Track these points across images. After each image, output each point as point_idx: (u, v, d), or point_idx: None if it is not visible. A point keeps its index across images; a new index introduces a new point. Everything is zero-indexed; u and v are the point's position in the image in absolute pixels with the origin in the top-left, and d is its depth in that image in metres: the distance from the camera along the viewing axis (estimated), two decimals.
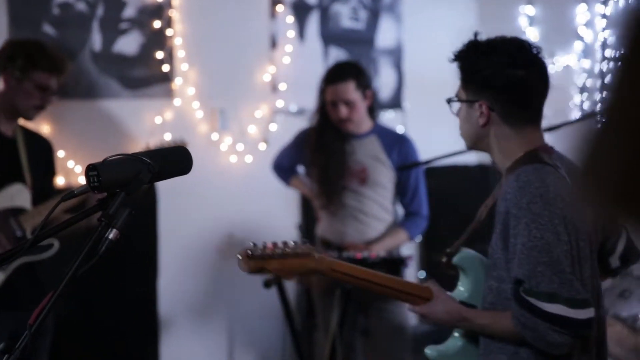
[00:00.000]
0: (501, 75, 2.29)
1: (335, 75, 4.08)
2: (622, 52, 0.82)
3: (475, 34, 2.39)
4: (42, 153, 3.66)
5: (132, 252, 4.59)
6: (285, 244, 2.37)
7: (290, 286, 4.47)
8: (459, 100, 2.40)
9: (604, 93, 0.87)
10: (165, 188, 4.61)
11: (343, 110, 4.01)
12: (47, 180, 3.68)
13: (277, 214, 5.12)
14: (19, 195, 3.44)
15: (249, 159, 5.00)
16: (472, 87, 2.34)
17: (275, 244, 2.36)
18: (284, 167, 4.40)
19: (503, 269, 2.20)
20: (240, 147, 4.99)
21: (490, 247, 2.27)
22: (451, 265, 2.38)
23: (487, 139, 2.32)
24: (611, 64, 5.22)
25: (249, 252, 2.35)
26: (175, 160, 2.04)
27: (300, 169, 4.41)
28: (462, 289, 2.37)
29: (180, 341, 4.83)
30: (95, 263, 1.90)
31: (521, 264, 2.11)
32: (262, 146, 5.01)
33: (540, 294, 2.09)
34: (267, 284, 3.64)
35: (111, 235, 1.92)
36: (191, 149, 4.93)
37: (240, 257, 2.36)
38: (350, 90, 4.01)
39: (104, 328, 4.51)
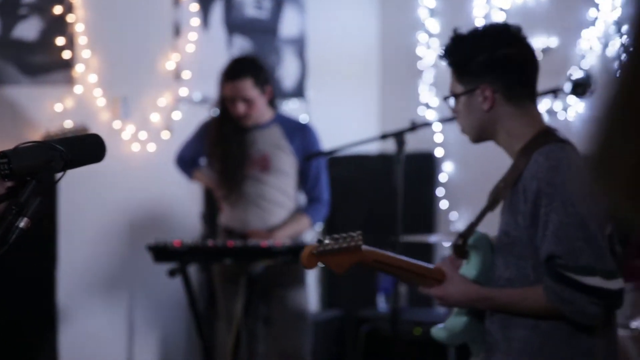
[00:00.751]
0: (496, 55, 2.35)
1: (233, 72, 4.10)
2: (630, 45, 0.83)
3: (455, 30, 2.44)
4: None
5: (30, 240, 4.50)
6: (337, 238, 2.34)
7: (193, 275, 4.47)
8: (458, 94, 2.40)
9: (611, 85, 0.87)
10: (67, 176, 4.53)
11: (241, 107, 4.05)
12: None
13: (180, 202, 5.10)
14: None
15: (151, 147, 4.96)
16: (469, 76, 2.37)
17: (335, 238, 2.33)
18: (186, 161, 4.39)
19: (526, 246, 2.26)
20: (143, 135, 4.94)
21: (504, 226, 2.32)
22: (466, 247, 2.39)
23: (492, 124, 2.37)
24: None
25: (313, 251, 2.31)
26: (88, 148, 2.02)
27: (203, 161, 4.41)
28: (471, 268, 2.39)
29: (80, 330, 4.77)
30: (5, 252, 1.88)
31: (559, 241, 2.18)
32: (166, 135, 4.98)
33: (578, 268, 2.17)
34: (172, 273, 3.64)
35: (22, 224, 1.90)
36: None
37: (304, 254, 2.33)
38: (248, 87, 4.04)
39: (1, 320, 4.41)
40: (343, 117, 5.77)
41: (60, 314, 4.70)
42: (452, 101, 2.44)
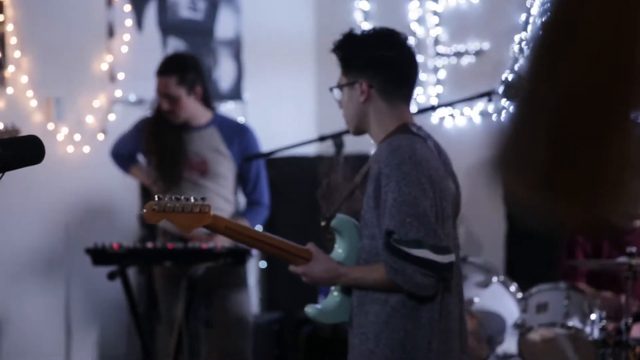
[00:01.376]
0: (376, 55, 2.61)
1: (161, 68, 4.12)
2: (533, 44, 0.87)
3: (351, 29, 2.70)
4: None
5: None
6: (186, 199, 2.50)
7: (133, 277, 4.41)
8: (341, 85, 2.66)
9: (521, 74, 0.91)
10: None
11: (164, 104, 4.06)
12: None
13: (117, 204, 5.03)
14: None
15: (86, 149, 4.89)
16: (353, 70, 2.63)
17: (177, 198, 2.49)
18: (122, 155, 4.34)
19: (375, 226, 2.48)
20: (77, 137, 4.87)
21: (362, 210, 2.53)
22: (329, 229, 2.60)
23: (367, 116, 2.62)
24: (447, 59, 5.44)
25: (154, 206, 2.48)
26: (26, 149, 1.99)
27: (140, 157, 4.36)
28: (339, 251, 2.59)
29: (17, 334, 4.67)
30: None
31: (392, 217, 2.39)
32: (101, 136, 4.91)
33: (408, 242, 2.38)
34: (111, 276, 3.59)
35: None
36: None
37: (145, 210, 2.51)
38: (171, 85, 4.04)
39: None
40: (280, 118, 5.76)
41: None
42: (337, 92, 2.69)
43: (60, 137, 4.81)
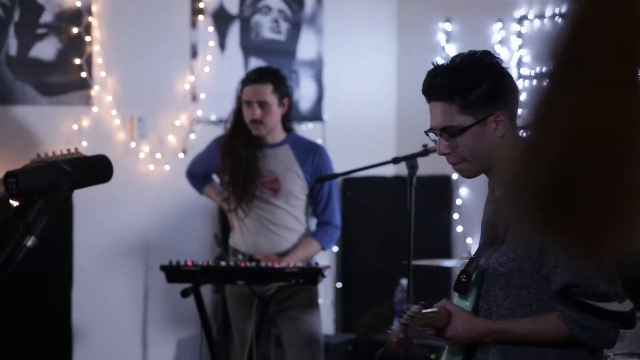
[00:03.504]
0: (500, 79, 2.34)
1: (253, 77, 4.13)
2: (545, 71, 0.86)
3: (436, 63, 2.40)
4: None
5: (46, 261, 4.52)
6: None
7: (207, 295, 4.47)
8: (470, 125, 2.32)
9: (527, 111, 0.92)
10: (82, 196, 4.55)
11: (257, 111, 4.03)
12: None
13: (194, 222, 5.10)
14: None
15: (167, 167, 4.98)
16: (477, 104, 2.30)
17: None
18: (197, 175, 4.39)
19: (527, 275, 2.26)
20: (158, 155, 4.96)
21: (499, 256, 2.31)
22: (469, 284, 2.35)
23: (499, 152, 2.32)
24: (530, 82, 5.37)
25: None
26: (95, 168, 2.03)
27: (215, 177, 4.41)
28: (466, 303, 2.36)
29: (95, 351, 4.77)
30: (13, 270, 1.88)
31: (574, 271, 2.18)
32: (181, 155, 4.99)
33: (597, 296, 2.19)
34: (184, 293, 3.64)
35: (29, 243, 1.91)
36: (109, 157, 4.87)
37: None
38: (267, 92, 4.05)
39: (16, 339, 4.42)
40: (360, 139, 5.77)
41: (75, 334, 4.70)
42: (444, 136, 2.36)
43: (142, 155, 4.92)
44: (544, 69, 0.86)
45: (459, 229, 5.56)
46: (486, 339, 2.32)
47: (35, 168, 1.90)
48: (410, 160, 3.57)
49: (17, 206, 1.95)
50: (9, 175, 1.88)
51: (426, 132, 2.44)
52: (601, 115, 0.83)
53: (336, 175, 4.09)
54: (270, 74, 4.14)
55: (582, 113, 0.83)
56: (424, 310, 2.28)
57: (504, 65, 2.39)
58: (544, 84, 0.87)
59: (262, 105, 4.03)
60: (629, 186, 0.83)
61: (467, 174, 2.41)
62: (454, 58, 2.38)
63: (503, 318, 2.30)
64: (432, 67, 2.40)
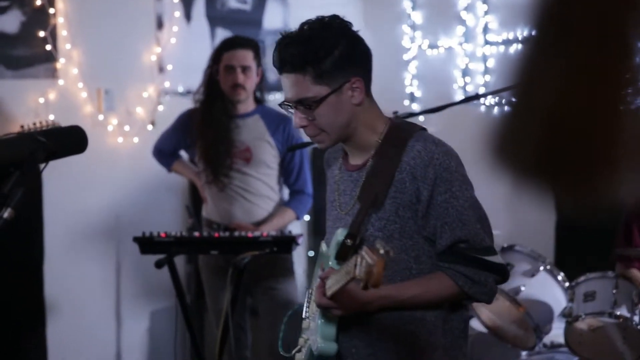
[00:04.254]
0: (353, 44, 2.24)
1: (234, 43, 4.13)
2: (530, 32, 0.88)
3: (284, 33, 2.27)
4: None
5: (17, 235, 4.50)
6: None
7: (180, 267, 4.46)
8: (327, 95, 2.20)
9: (511, 75, 0.94)
10: (51, 169, 4.50)
11: (240, 76, 4.02)
12: None
13: (165, 195, 5.09)
14: None
15: (136, 140, 4.95)
16: (332, 72, 2.19)
17: None
18: (164, 152, 4.37)
19: (407, 237, 2.19)
20: (127, 128, 4.93)
21: (376, 222, 2.21)
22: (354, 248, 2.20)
23: (356, 120, 2.24)
24: (497, 48, 5.40)
25: None
26: (70, 139, 2.02)
27: (182, 153, 4.39)
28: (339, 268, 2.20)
29: (68, 323, 4.76)
30: None
31: (463, 225, 2.16)
32: (150, 127, 4.97)
33: (484, 250, 2.18)
34: (158, 264, 3.63)
35: (6, 215, 1.90)
36: None
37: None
38: (249, 57, 4.06)
39: None
40: None
41: (48, 308, 4.69)
42: (300, 109, 2.23)
43: (110, 127, 4.89)
44: (528, 33, 0.88)
45: None
46: (371, 308, 2.19)
47: (9, 139, 1.89)
48: None
49: None
50: None
51: (281, 105, 2.31)
52: (587, 77, 0.84)
53: (308, 144, 4.09)
54: (251, 41, 4.18)
55: (568, 75, 0.85)
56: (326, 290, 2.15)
57: (354, 29, 2.28)
58: (528, 47, 0.89)
59: (245, 70, 4.04)
60: (616, 141, 0.85)
61: (325, 145, 2.28)
62: (302, 26, 2.25)
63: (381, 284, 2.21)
64: (281, 37, 2.26)
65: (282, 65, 2.23)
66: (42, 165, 1.93)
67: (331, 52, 2.19)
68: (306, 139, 4.24)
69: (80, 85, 4.77)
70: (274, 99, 5.43)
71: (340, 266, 2.13)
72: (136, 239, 3.82)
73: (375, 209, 2.21)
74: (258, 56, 4.12)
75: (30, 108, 4.58)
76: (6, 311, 4.49)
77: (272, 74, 5.58)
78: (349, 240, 2.19)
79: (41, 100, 4.63)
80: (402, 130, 2.27)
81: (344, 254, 2.18)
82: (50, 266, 4.65)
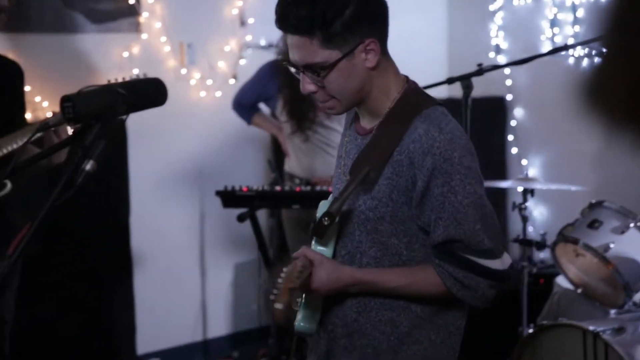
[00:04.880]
0: (365, 3, 1.97)
1: None
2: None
3: None
4: (6, 79, 3.31)
5: (103, 187, 4.57)
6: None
7: (263, 220, 4.48)
8: (338, 60, 1.96)
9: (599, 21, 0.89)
10: (135, 123, 4.56)
11: None
12: (15, 111, 3.32)
13: (247, 149, 5.10)
14: None
15: (218, 94, 4.96)
16: (342, 34, 1.94)
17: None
18: (244, 105, 4.36)
19: (400, 223, 2.00)
20: (209, 82, 4.94)
21: (369, 200, 2.02)
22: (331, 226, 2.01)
23: (371, 84, 2.02)
24: None
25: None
26: (150, 91, 2.01)
27: (262, 106, 4.37)
28: (328, 247, 2.06)
29: (154, 274, 4.84)
30: (72, 195, 1.89)
31: (459, 223, 1.94)
32: (232, 81, 4.96)
33: (481, 252, 1.96)
34: (240, 218, 3.65)
35: (88, 167, 1.90)
36: None
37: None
38: None
39: (77, 263, 4.50)
40: (411, 60, 5.66)
41: (134, 260, 4.77)
42: (308, 74, 2.00)
43: (193, 82, 4.90)
44: None
45: (514, 150, 5.48)
46: (351, 290, 2.03)
47: (90, 92, 1.89)
48: (465, 80, 3.48)
49: (74, 130, 1.94)
50: (65, 99, 1.87)
51: (285, 64, 2.07)
52: None
53: None
54: None
55: None
56: (296, 269, 1.94)
57: None
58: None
59: None
60: None
61: (337, 111, 2.07)
62: None
63: (367, 267, 2.04)
64: None
65: (286, 26, 1.98)
66: (124, 118, 1.92)
67: (341, 13, 1.93)
68: None
69: (163, 39, 4.79)
70: None
71: (319, 244, 2.05)
72: (218, 193, 3.84)
73: (365, 187, 2.01)
74: None
75: (114, 62, 4.62)
76: (95, 264, 4.58)
77: None
78: (326, 219, 1.97)
79: (125, 54, 4.66)
80: (412, 102, 2.03)
81: (320, 232, 2.00)
82: (135, 219, 4.72)
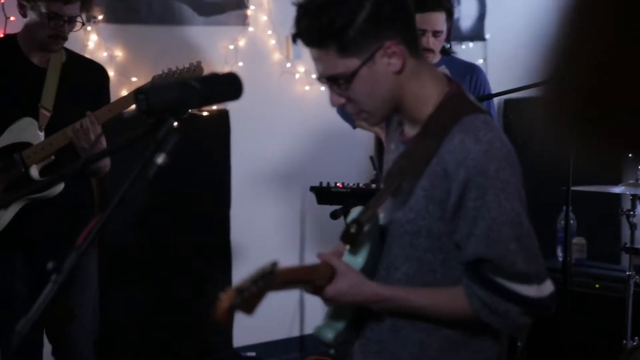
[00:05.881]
0: (380, 4, 1.83)
1: (425, 3, 3.91)
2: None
3: (298, 3, 1.88)
4: (90, 82, 3.35)
5: (205, 180, 4.61)
6: (255, 280, 1.90)
7: None
8: (357, 69, 1.84)
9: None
10: (238, 115, 4.58)
11: (430, 39, 3.82)
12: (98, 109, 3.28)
13: (350, 144, 5.05)
14: (27, 129, 3.21)
15: (322, 88, 4.92)
16: (358, 42, 1.83)
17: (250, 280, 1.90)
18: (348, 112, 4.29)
19: (436, 238, 1.88)
20: (314, 76, 4.91)
21: (407, 212, 1.90)
22: (360, 236, 1.90)
23: (401, 89, 1.88)
24: None
25: (233, 304, 1.81)
26: (225, 86, 1.98)
27: None
28: (358, 257, 1.94)
29: (251, 269, 4.84)
30: (146, 187, 1.87)
31: (492, 242, 1.80)
32: None
33: (513, 275, 1.81)
34: (334, 215, 3.59)
35: (160, 160, 1.88)
36: (264, 77, 4.88)
37: (220, 313, 1.78)
38: (441, 21, 3.84)
39: (177, 253, 4.55)
40: (524, 59, 5.50)
41: (233, 252, 4.79)
42: (333, 87, 1.88)
43: (297, 75, 4.88)
44: None
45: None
46: (373, 307, 1.91)
47: (164, 85, 1.87)
48: None
49: (148, 123, 1.93)
50: (139, 92, 1.86)
51: (318, 79, 1.96)
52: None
53: (497, 94, 3.90)
54: (444, 2, 3.87)
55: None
56: (258, 273, 1.87)
57: None
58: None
59: (436, 34, 3.82)
60: None
61: (373, 122, 1.96)
62: None
63: (398, 283, 1.92)
64: (296, 5, 1.88)
65: (301, 39, 1.87)
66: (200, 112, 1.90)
67: (352, 19, 1.81)
68: (496, 89, 4.07)
69: (270, 32, 4.78)
70: (466, 48, 5.24)
71: (349, 252, 1.94)
72: (313, 189, 3.80)
73: (400, 196, 1.90)
74: (450, 17, 3.89)
75: (220, 55, 4.64)
76: (194, 255, 4.62)
77: (464, 22, 5.38)
78: (353, 226, 1.87)
79: (231, 47, 4.68)
80: (452, 109, 1.88)
81: (349, 239, 1.90)
82: (236, 212, 4.74)
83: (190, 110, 1.89)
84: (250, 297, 1.83)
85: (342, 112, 4.35)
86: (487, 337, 1.93)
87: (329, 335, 1.97)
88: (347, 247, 1.95)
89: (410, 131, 1.96)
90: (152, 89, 1.85)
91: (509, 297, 1.81)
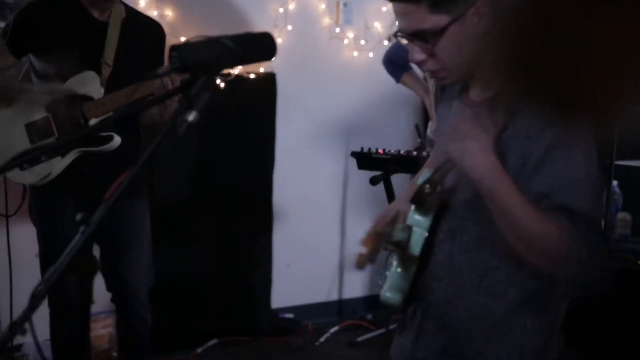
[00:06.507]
0: None
1: None
2: None
3: None
4: (148, 39, 3.41)
5: (250, 142, 4.63)
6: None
7: (397, 182, 4.41)
8: (444, 27, 1.82)
9: None
10: (284, 78, 4.59)
11: None
12: (155, 67, 3.36)
13: (396, 111, 5.04)
14: (90, 83, 3.26)
15: (371, 55, 4.91)
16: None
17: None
18: (395, 62, 4.27)
19: None
20: (362, 42, 4.90)
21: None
22: (431, 197, 1.85)
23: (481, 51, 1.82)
24: None
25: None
26: (258, 45, 1.98)
27: (414, 65, 4.27)
28: (424, 218, 1.93)
29: (292, 233, 4.88)
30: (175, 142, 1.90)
31: (583, 197, 1.75)
32: (386, 42, 4.90)
33: (598, 232, 1.76)
34: (373, 181, 3.60)
35: (191, 117, 1.90)
36: (313, 41, 4.86)
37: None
38: None
39: (220, 215, 4.60)
40: None
41: (275, 213, 4.82)
42: (418, 44, 1.85)
43: (346, 41, 4.87)
44: None
45: None
46: (480, 175, 1.76)
47: (198, 43, 1.88)
48: None
49: (182, 81, 1.95)
50: (173, 49, 1.87)
51: (394, 35, 1.92)
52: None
53: None
54: None
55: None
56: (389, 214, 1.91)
57: None
58: None
59: None
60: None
61: (449, 82, 1.94)
62: None
63: (467, 246, 1.87)
64: None
65: None
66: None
67: None
68: None
69: None
70: None
71: (418, 212, 1.89)
72: (354, 154, 3.80)
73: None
74: None
75: (270, 18, 4.65)
76: (237, 217, 4.66)
77: None
78: (427, 187, 1.81)
79: (281, 10, 4.68)
80: None
81: (421, 200, 1.84)
82: (279, 174, 4.77)
83: (237, 73, 1.91)
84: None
85: (389, 64, 4.33)
86: (551, 296, 1.89)
87: (398, 297, 1.95)
88: (413, 207, 1.92)
89: (477, 95, 1.93)
90: (185, 46, 1.87)
91: (591, 247, 1.72)
